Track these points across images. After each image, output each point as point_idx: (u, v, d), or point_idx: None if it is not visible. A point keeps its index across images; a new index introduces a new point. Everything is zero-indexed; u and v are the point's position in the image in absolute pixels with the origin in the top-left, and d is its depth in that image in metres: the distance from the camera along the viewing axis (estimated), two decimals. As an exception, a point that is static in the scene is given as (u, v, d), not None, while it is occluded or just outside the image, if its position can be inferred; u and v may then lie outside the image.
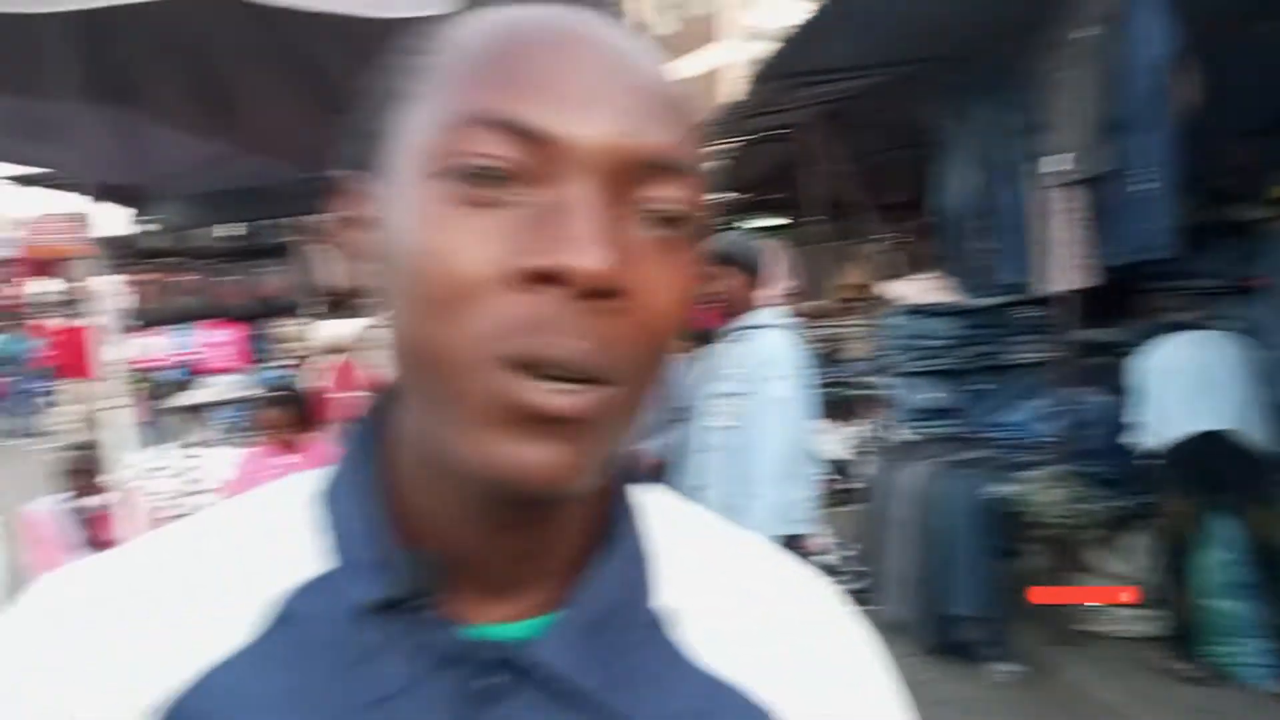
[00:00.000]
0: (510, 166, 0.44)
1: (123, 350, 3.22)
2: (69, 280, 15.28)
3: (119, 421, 3.21)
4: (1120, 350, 4.84)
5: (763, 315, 3.36)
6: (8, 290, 19.91)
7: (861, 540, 5.60)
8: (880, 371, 6.23)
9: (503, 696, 0.50)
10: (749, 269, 3.39)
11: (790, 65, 5.24)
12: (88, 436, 6.84)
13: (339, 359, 6.59)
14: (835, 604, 0.64)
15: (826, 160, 5.78)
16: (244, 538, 0.54)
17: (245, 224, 9.77)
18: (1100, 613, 4.88)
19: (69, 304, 13.23)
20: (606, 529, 0.56)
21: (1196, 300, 4.81)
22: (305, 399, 4.68)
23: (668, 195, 0.47)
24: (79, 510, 3.86)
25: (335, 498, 0.54)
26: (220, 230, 9.92)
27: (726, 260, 3.35)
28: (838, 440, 6.79)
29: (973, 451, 5.28)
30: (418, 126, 0.47)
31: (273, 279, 10.04)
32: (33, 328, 16.50)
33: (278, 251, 9.90)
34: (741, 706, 0.55)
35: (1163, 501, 4.56)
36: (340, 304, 9.40)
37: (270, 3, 1.97)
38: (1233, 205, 4.94)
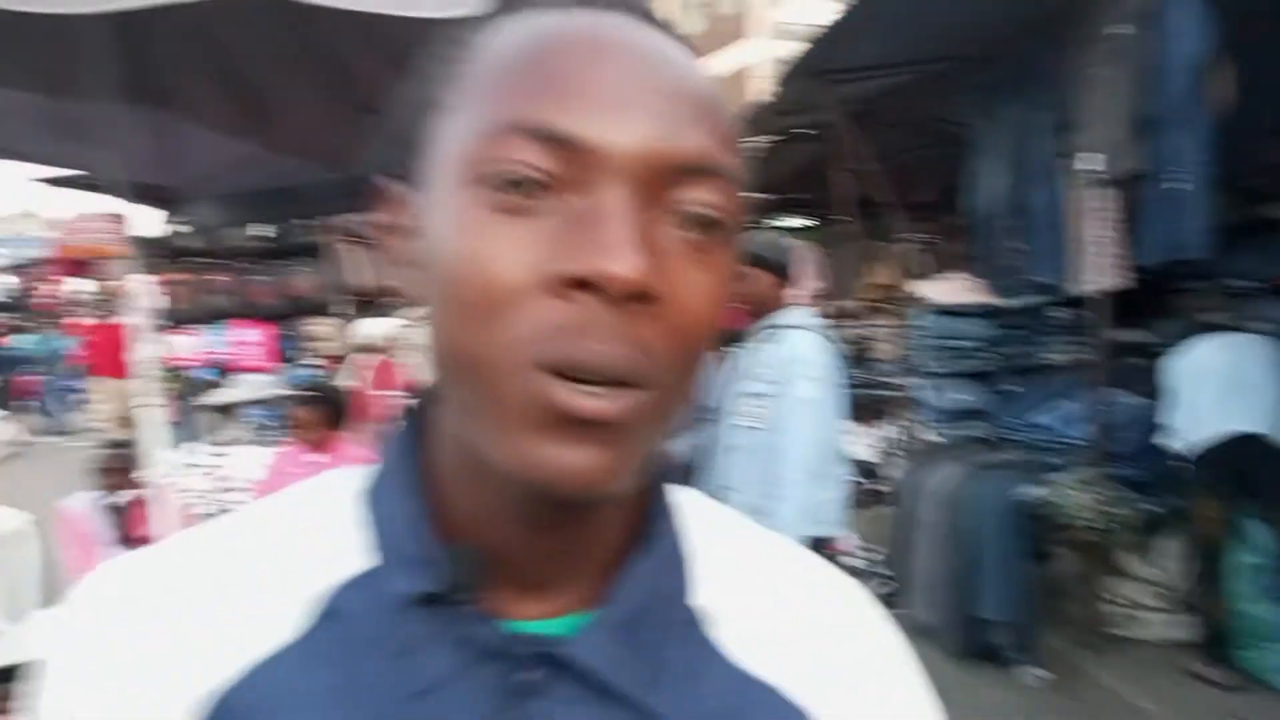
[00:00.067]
0: (546, 174, 0.45)
1: (156, 349, 3.25)
2: (102, 279, 15.51)
3: (152, 419, 3.24)
4: (1152, 351, 4.80)
5: (791, 315, 3.36)
6: (42, 289, 20.20)
7: (889, 543, 5.57)
8: (908, 372, 6.20)
9: (542, 691, 0.51)
10: (778, 269, 3.39)
11: (819, 64, 5.23)
12: (121, 434, 6.93)
13: (377, 357, 6.65)
14: (866, 607, 0.64)
15: (855, 159, 5.75)
16: (290, 534, 0.56)
17: (275, 224, 9.85)
18: (1131, 617, 4.84)
19: (102, 303, 13.42)
20: (644, 528, 0.57)
21: (1229, 301, 4.76)
22: (335, 398, 4.71)
23: (702, 198, 0.47)
24: (112, 507, 3.90)
25: (378, 495, 0.56)
26: (251, 230, 10.00)
27: (755, 260, 3.35)
28: (865, 442, 6.76)
29: (1002, 454, 5.24)
30: (454, 135, 0.48)
31: (303, 278, 10.13)
32: (67, 326, 16.73)
33: (308, 251, 9.99)
34: (777, 705, 0.56)
35: (1194, 505, 4.51)
36: (369, 303, 9.48)
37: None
38: (1267, 204, 4.88)
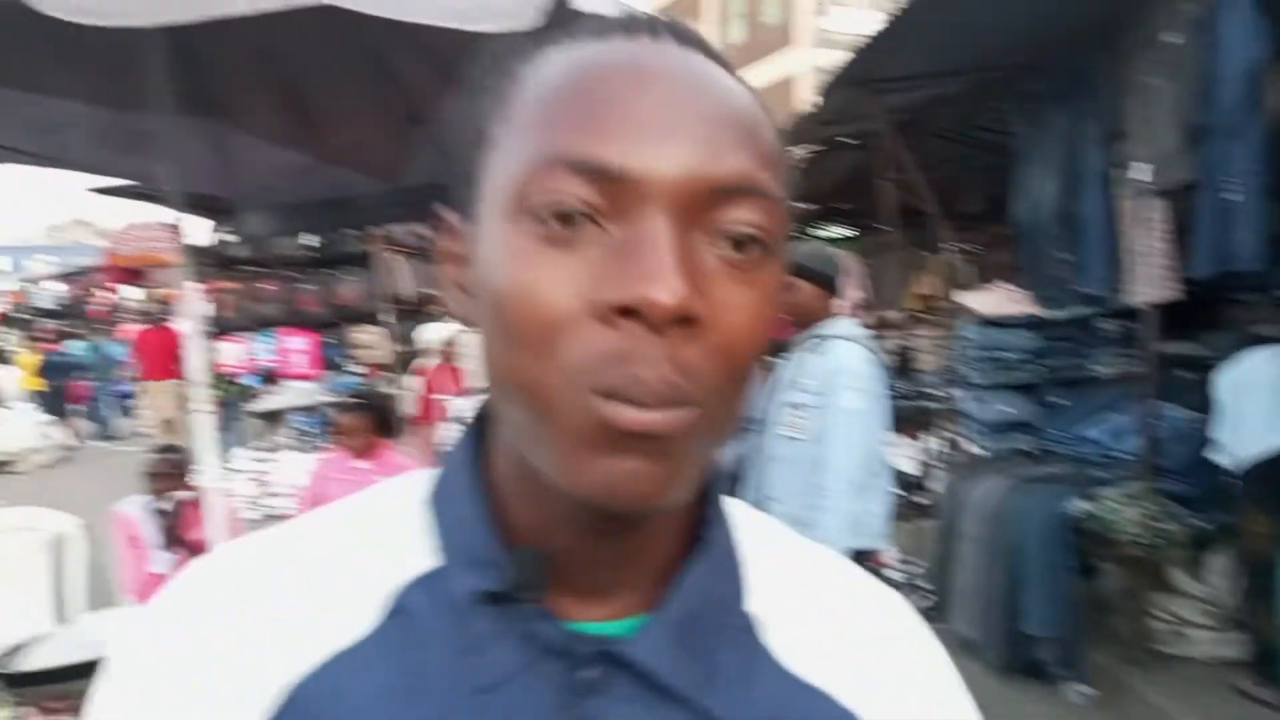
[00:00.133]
0: (589, 205, 0.47)
1: (205, 356, 3.31)
2: (152, 288, 15.77)
3: (201, 425, 3.29)
4: (1202, 364, 4.72)
5: (836, 326, 3.35)
6: (93, 297, 20.59)
7: (930, 556, 5.53)
8: (952, 384, 6.15)
9: (601, 689, 0.52)
10: (822, 279, 3.38)
11: (864, 73, 5.22)
12: (170, 439, 7.05)
13: (436, 362, 6.75)
14: (910, 620, 0.65)
15: (899, 169, 5.72)
16: (360, 536, 0.58)
17: (324, 234, 9.98)
18: (1179, 634, 4.76)
19: (152, 311, 13.64)
20: (698, 534, 0.58)
21: (1281, 313, 4.67)
22: (379, 406, 4.76)
23: (744, 217, 0.48)
24: (161, 511, 3.97)
25: (443, 500, 0.58)
26: (299, 239, 10.14)
27: (799, 271, 3.35)
28: (908, 454, 6.71)
29: (1047, 467, 5.19)
30: (501, 170, 0.50)
31: (348, 287, 10.26)
32: (117, 333, 17.03)
33: (354, 260, 10.12)
34: (829, 709, 0.57)
35: (1243, 520, 4.43)
36: (414, 312, 9.58)
37: (357, 8, 2.01)
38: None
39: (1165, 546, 4.44)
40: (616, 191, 0.46)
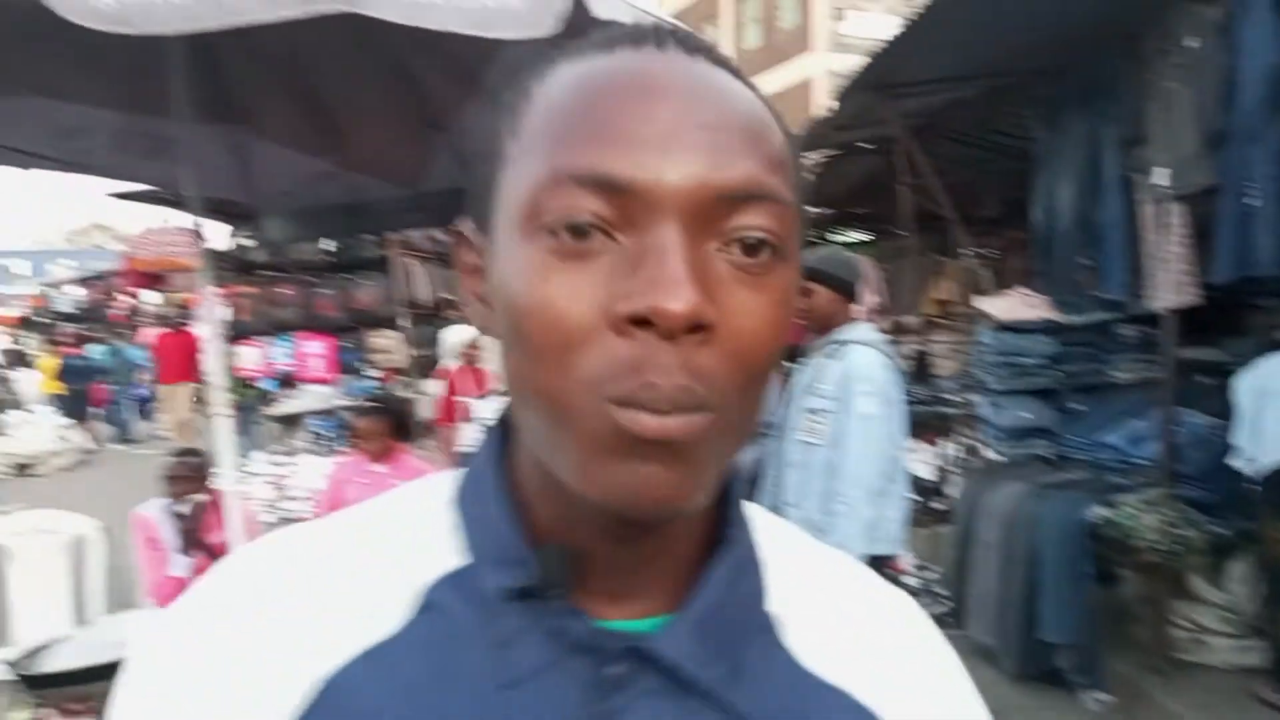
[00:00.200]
0: (600, 218, 0.47)
1: (223, 360, 3.33)
2: (171, 292, 15.88)
3: (219, 428, 3.31)
4: (1222, 370, 4.70)
5: (853, 331, 3.34)
6: (113, 301, 20.74)
7: (946, 562, 5.51)
8: (970, 389, 6.13)
9: (629, 684, 0.53)
10: (839, 284, 3.38)
11: (880, 77, 5.22)
12: (188, 442, 7.09)
13: (458, 364, 6.78)
14: (925, 627, 0.65)
15: (915, 173, 5.72)
16: (389, 535, 0.59)
17: (343, 239, 10.02)
18: (1198, 641, 4.73)
19: (171, 315, 13.74)
20: (719, 535, 0.59)
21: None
22: (396, 410, 4.78)
23: (754, 223, 0.49)
24: (180, 514, 3.99)
25: (469, 499, 0.59)
26: (317, 245, 10.19)
27: (816, 275, 3.34)
28: (925, 459, 6.69)
29: (1065, 473, 5.16)
30: (514, 185, 0.51)
31: (366, 292, 10.31)
32: (136, 337, 17.15)
33: (371, 265, 10.17)
34: (851, 708, 0.58)
35: (1262, 527, 4.40)
36: (431, 316, 9.61)
37: (378, 15, 2.03)
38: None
39: (1184, 553, 4.41)
40: (626, 203, 0.47)
